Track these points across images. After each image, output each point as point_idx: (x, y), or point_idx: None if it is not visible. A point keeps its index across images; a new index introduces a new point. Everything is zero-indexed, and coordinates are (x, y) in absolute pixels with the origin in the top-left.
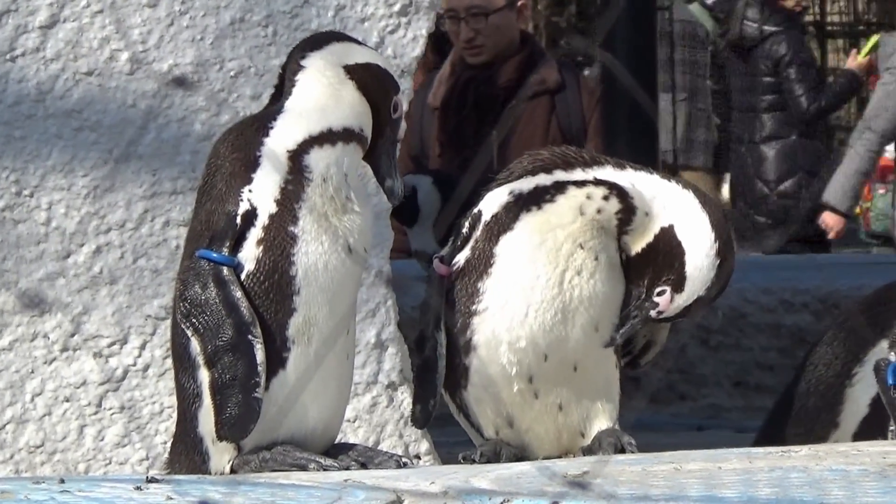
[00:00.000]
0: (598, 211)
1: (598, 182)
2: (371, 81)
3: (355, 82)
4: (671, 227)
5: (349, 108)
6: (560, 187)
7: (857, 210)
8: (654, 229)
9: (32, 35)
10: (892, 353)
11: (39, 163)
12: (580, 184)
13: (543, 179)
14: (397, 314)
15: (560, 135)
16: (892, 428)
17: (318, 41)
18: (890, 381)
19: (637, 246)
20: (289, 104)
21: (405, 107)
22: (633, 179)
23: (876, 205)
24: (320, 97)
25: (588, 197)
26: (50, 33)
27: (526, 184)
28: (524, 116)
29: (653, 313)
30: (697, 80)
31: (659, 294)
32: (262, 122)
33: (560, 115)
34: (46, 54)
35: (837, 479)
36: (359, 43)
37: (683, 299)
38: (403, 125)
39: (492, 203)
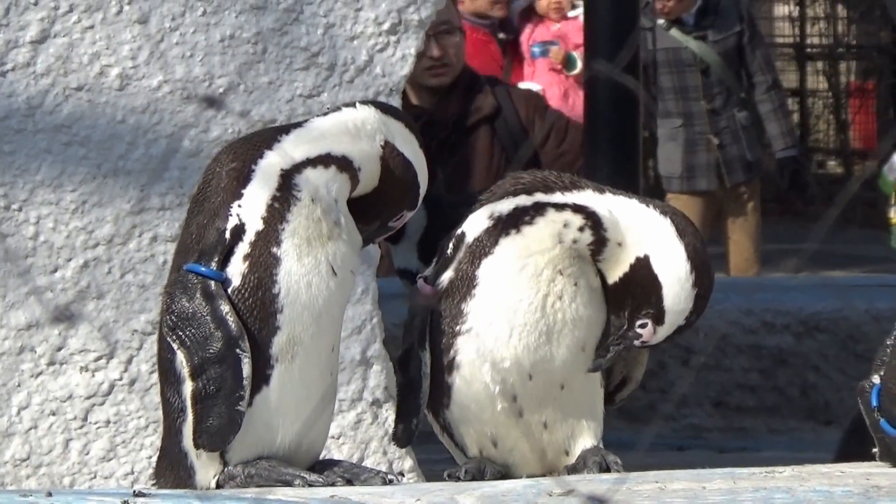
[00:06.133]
0: (574, 241)
1: (576, 209)
2: (396, 174)
3: (383, 159)
4: (646, 257)
5: (359, 151)
6: (539, 209)
7: None
8: (630, 259)
9: (23, 50)
10: (877, 376)
11: (28, 177)
12: (560, 207)
13: (524, 200)
14: (383, 331)
15: (504, 158)
16: (874, 450)
17: (388, 108)
18: (874, 404)
19: (614, 275)
20: (311, 122)
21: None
22: (612, 206)
23: None
24: (343, 130)
25: (565, 225)
26: (40, 48)
27: (506, 205)
28: (468, 148)
29: (637, 343)
30: (690, 103)
31: (641, 326)
32: (273, 134)
33: (502, 137)
34: (37, 69)
35: (821, 500)
36: (421, 149)
37: (665, 330)
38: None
39: (474, 225)
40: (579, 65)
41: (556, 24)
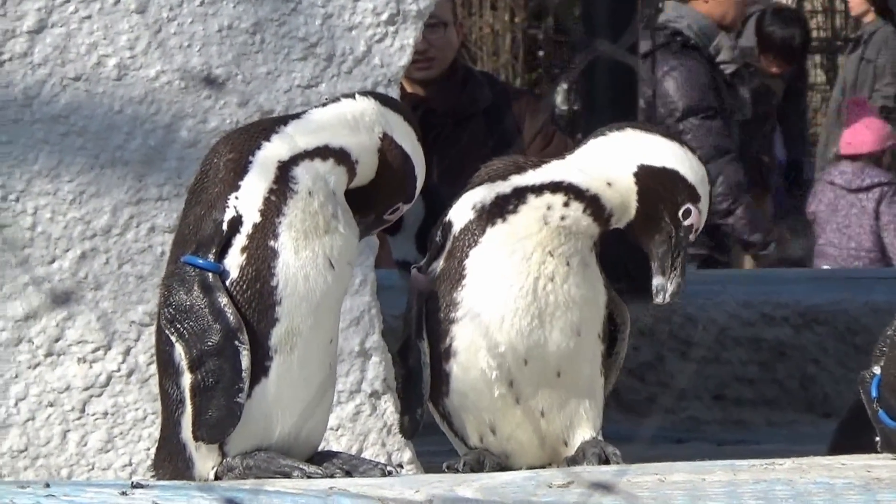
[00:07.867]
0: (563, 218)
1: (553, 188)
2: (393, 167)
3: (381, 151)
4: (642, 166)
5: (357, 143)
6: (520, 195)
7: None
8: (630, 180)
9: (20, 40)
10: (877, 367)
11: (25, 168)
12: (538, 191)
13: (502, 187)
14: (381, 323)
15: (496, 152)
16: (877, 439)
17: (387, 99)
18: (874, 395)
19: (629, 210)
20: (309, 114)
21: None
22: (578, 162)
23: None
24: (341, 122)
25: (549, 207)
26: (38, 38)
27: (487, 193)
28: (462, 140)
29: (691, 236)
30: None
31: (685, 215)
32: (271, 125)
33: (494, 131)
34: (34, 59)
35: (822, 491)
36: (419, 141)
37: (703, 203)
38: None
39: (459, 214)
40: None
41: None
